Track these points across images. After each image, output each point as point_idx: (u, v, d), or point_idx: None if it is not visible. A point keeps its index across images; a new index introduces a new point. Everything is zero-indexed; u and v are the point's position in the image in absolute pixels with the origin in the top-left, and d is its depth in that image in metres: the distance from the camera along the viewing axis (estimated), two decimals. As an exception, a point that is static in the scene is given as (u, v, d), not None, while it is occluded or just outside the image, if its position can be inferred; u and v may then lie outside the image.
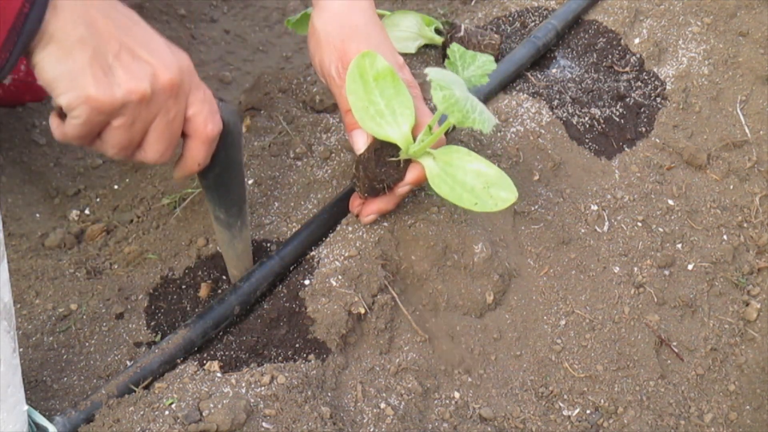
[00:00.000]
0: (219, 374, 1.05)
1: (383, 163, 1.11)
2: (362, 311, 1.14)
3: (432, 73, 1.01)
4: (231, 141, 1.03)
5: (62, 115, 0.90)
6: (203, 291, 1.21)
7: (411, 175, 1.12)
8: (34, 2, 0.83)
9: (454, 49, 1.15)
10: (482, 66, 1.17)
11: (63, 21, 0.85)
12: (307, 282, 1.14)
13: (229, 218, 1.12)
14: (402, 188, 1.13)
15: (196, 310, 1.20)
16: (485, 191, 1.06)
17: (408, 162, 1.12)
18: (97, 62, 0.87)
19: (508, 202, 1.07)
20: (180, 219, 1.31)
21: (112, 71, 0.88)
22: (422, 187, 1.25)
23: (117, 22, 0.90)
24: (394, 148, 1.11)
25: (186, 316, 1.20)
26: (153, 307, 1.21)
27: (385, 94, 1.08)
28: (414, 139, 1.09)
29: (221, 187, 1.08)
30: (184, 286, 1.23)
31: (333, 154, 1.36)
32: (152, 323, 1.19)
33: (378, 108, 1.08)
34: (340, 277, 1.14)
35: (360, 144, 1.13)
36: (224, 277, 1.23)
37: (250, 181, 1.33)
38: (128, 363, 1.13)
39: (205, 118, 0.97)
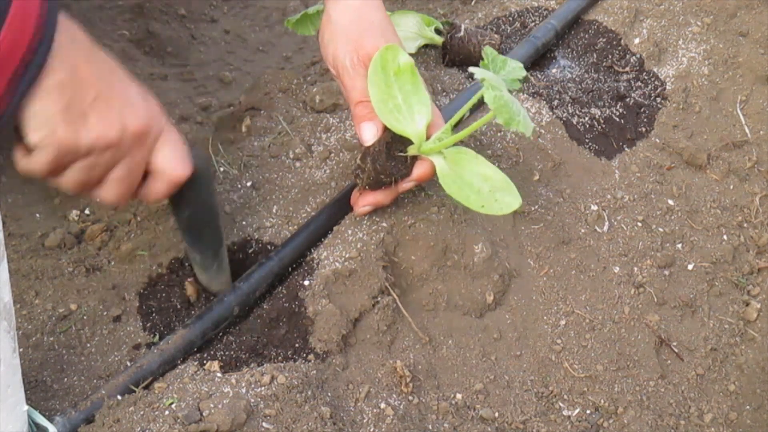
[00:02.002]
0: (219, 374, 1.05)
1: (393, 156, 1.11)
2: (362, 312, 1.14)
3: (480, 72, 1.02)
4: (201, 184, 1.06)
5: (28, 149, 0.92)
6: (189, 290, 1.21)
7: (418, 172, 1.13)
8: (36, 51, 0.85)
9: (488, 52, 1.16)
10: (512, 72, 1.19)
11: (49, 64, 0.87)
12: (306, 283, 1.14)
13: (205, 261, 1.15)
14: (406, 184, 1.14)
15: (185, 305, 1.20)
16: (491, 195, 1.08)
17: (414, 158, 1.12)
18: (73, 108, 0.89)
19: (513, 207, 1.09)
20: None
21: (85, 117, 0.90)
22: (422, 186, 1.25)
23: (97, 69, 0.92)
24: (403, 143, 1.12)
25: (178, 313, 1.20)
26: (146, 306, 1.21)
27: (404, 89, 1.09)
28: (426, 137, 1.10)
29: (194, 229, 1.12)
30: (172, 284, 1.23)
31: (332, 154, 1.36)
32: (148, 322, 1.19)
33: (396, 102, 1.09)
34: (340, 277, 1.14)
35: (368, 136, 1.13)
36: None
37: (249, 183, 1.33)
38: (128, 363, 1.12)
39: (172, 162, 1.00)
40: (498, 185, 1.09)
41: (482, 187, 1.09)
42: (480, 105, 1.45)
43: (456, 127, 1.42)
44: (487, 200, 1.08)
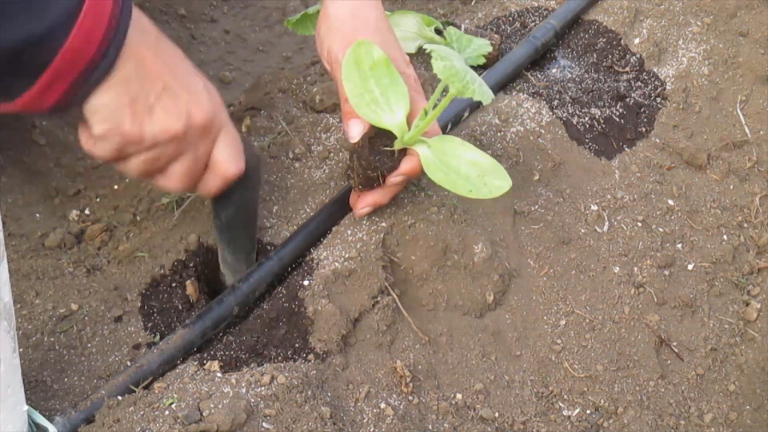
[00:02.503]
0: (219, 374, 1.05)
1: (377, 151, 1.11)
2: (362, 312, 1.14)
3: (431, 46, 1.02)
4: (249, 183, 1.06)
5: (93, 135, 0.93)
6: (189, 289, 1.21)
7: (406, 165, 1.12)
8: (106, 53, 0.84)
9: (451, 32, 1.15)
10: (478, 48, 1.18)
11: (118, 60, 0.87)
12: (306, 283, 1.14)
13: (236, 263, 1.16)
14: (396, 178, 1.13)
15: (186, 305, 1.20)
16: (480, 179, 1.08)
17: (402, 153, 1.12)
18: (139, 101, 0.89)
19: (502, 189, 1.08)
20: (179, 219, 1.31)
21: (151, 110, 0.91)
22: (416, 183, 1.25)
23: (164, 61, 0.92)
24: (388, 138, 1.11)
25: (180, 314, 1.20)
26: (148, 306, 1.21)
27: (381, 83, 1.09)
28: (409, 128, 1.10)
29: (233, 229, 1.11)
30: (174, 284, 1.23)
31: (332, 155, 1.36)
32: (150, 323, 1.19)
33: (373, 96, 1.09)
34: (340, 277, 1.14)
35: (354, 133, 1.13)
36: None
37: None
38: (128, 363, 1.13)
39: (227, 159, 1.00)
40: (486, 169, 1.08)
41: (470, 172, 1.08)
42: (479, 105, 1.45)
43: (453, 126, 1.42)
44: (476, 184, 1.07)
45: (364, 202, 1.17)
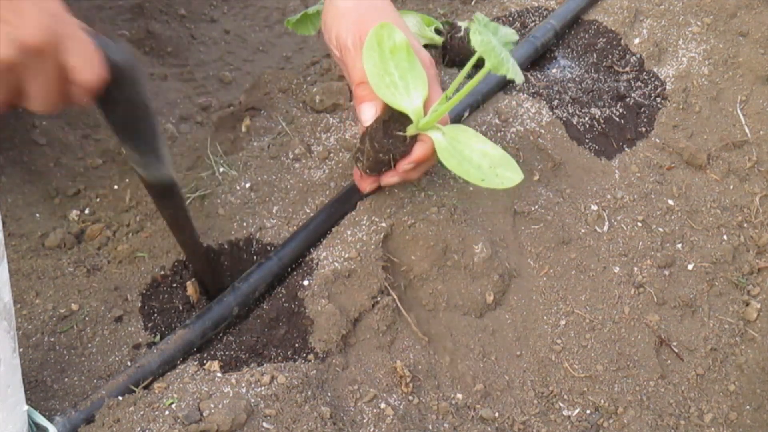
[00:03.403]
0: (219, 374, 1.05)
1: (391, 135, 1.11)
2: (362, 312, 1.14)
3: (472, 20, 1.03)
4: (126, 80, 1.02)
5: None
6: (190, 289, 1.21)
7: (419, 150, 1.12)
8: None
9: (479, 17, 1.16)
10: (505, 36, 1.19)
11: None
12: (306, 283, 1.14)
13: (143, 157, 1.10)
14: (408, 165, 1.13)
15: (186, 306, 1.20)
16: (491, 170, 1.08)
17: (415, 139, 1.12)
18: None
19: (514, 181, 1.08)
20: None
21: None
22: (416, 184, 1.25)
23: None
24: (402, 122, 1.12)
25: (180, 314, 1.20)
26: (148, 306, 1.21)
27: (400, 66, 1.10)
28: (425, 114, 1.10)
29: (127, 128, 1.07)
30: (174, 284, 1.23)
31: (332, 155, 1.36)
32: (150, 323, 1.19)
33: (392, 79, 1.09)
34: (340, 277, 1.14)
35: (368, 116, 1.13)
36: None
37: (248, 184, 1.33)
38: (129, 363, 1.13)
39: (82, 68, 0.95)
40: (498, 161, 1.09)
41: (482, 162, 1.08)
42: (479, 105, 1.45)
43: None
44: (488, 175, 1.08)
45: (372, 180, 1.17)
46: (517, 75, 1.04)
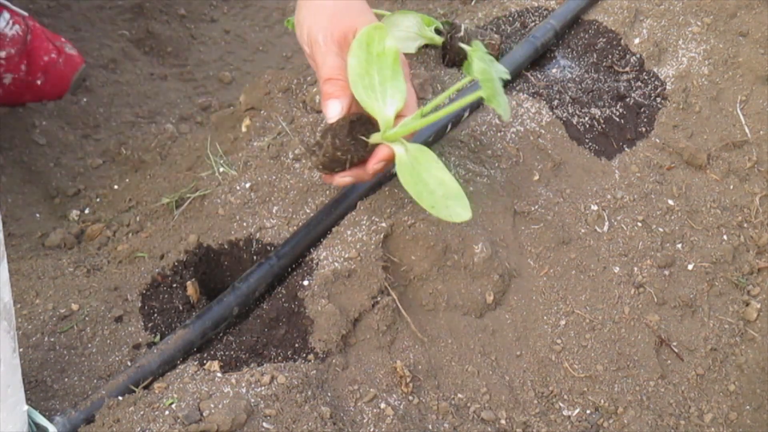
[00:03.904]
0: (219, 374, 1.05)
1: (354, 137, 1.11)
2: (362, 312, 1.14)
3: (470, 47, 1.03)
4: None
5: None
6: (190, 289, 1.21)
7: (381, 153, 1.11)
8: None
9: (479, 45, 1.15)
10: (499, 72, 1.19)
11: None
12: (306, 283, 1.14)
13: None
14: (377, 165, 1.12)
15: (186, 306, 1.20)
16: (443, 200, 1.06)
17: (375, 146, 1.12)
18: None
19: (462, 218, 1.06)
20: (179, 219, 1.31)
21: None
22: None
23: None
24: (367, 127, 1.12)
25: (180, 314, 1.20)
26: (148, 307, 1.21)
27: (382, 73, 1.09)
28: (394, 125, 1.10)
29: None
30: (174, 284, 1.23)
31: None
32: (150, 323, 1.19)
33: (372, 82, 1.09)
34: (339, 278, 1.14)
35: (333, 113, 1.12)
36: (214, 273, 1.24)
37: (248, 185, 1.32)
38: (129, 363, 1.13)
39: None
40: (452, 193, 1.07)
41: (437, 190, 1.07)
42: (479, 105, 1.45)
43: (455, 125, 1.42)
44: (439, 204, 1.06)
45: (345, 174, 1.15)
46: (505, 111, 1.03)
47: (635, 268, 1.32)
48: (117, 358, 1.14)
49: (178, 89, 1.81)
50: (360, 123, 1.12)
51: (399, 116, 1.10)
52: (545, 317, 1.24)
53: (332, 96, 1.12)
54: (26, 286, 1.21)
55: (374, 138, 1.11)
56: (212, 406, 0.97)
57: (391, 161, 1.12)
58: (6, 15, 1.59)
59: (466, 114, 1.42)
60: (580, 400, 1.19)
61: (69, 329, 1.16)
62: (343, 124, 1.11)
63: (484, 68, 1.02)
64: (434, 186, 1.07)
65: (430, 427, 1.10)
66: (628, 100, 1.52)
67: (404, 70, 1.13)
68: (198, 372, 1.06)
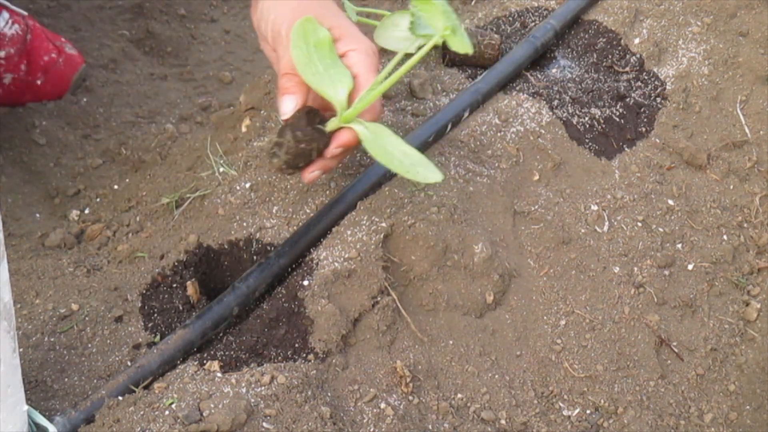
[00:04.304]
0: (219, 374, 1.05)
1: (313, 126, 1.11)
2: (362, 312, 1.14)
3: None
4: None
5: None
6: (190, 290, 1.21)
7: (344, 136, 1.12)
8: None
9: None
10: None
11: None
12: (306, 283, 1.14)
13: None
14: (336, 150, 1.12)
15: (186, 306, 1.20)
16: (412, 167, 1.09)
17: (334, 132, 1.13)
18: None
19: (434, 179, 1.09)
20: (179, 219, 1.31)
21: None
22: (416, 183, 1.25)
23: None
24: (321, 117, 1.13)
25: (180, 314, 1.20)
26: (148, 307, 1.21)
27: (324, 61, 1.11)
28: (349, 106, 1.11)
29: None
30: (174, 285, 1.23)
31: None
32: (150, 323, 1.19)
33: (317, 69, 1.10)
34: (339, 278, 1.14)
35: (287, 108, 1.13)
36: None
37: (248, 185, 1.32)
38: (129, 363, 1.13)
39: None
40: (417, 161, 1.10)
41: (403, 159, 1.10)
42: (479, 105, 1.45)
43: (453, 126, 1.42)
44: (410, 170, 1.09)
45: (312, 168, 1.16)
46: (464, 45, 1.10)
47: (635, 268, 1.32)
48: (117, 358, 1.14)
49: (178, 89, 1.81)
50: (314, 114, 1.12)
51: (353, 95, 1.11)
52: (545, 317, 1.24)
53: (288, 91, 1.13)
54: (26, 286, 1.21)
55: (331, 124, 1.12)
56: (212, 406, 0.97)
57: (350, 145, 1.13)
58: (5, 14, 1.59)
59: (466, 114, 1.43)
60: (580, 400, 1.19)
61: (69, 329, 1.16)
62: (299, 116, 1.12)
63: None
64: (400, 156, 1.09)
65: (430, 427, 1.10)
66: (628, 100, 1.52)
67: (365, 45, 1.14)
68: (198, 372, 1.06)
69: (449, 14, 1.08)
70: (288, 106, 1.12)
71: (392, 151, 1.10)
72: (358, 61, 1.12)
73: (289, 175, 1.18)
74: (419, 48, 1.59)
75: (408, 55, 1.10)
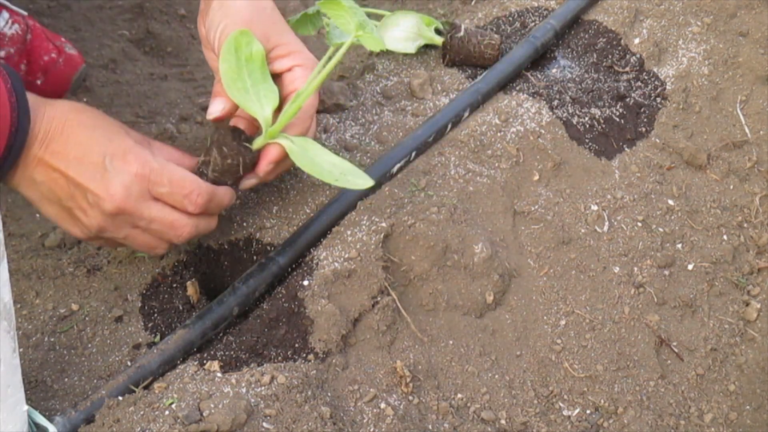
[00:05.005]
0: (219, 374, 1.05)
1: (239, 142, 1.12)
2: (362, 312, 1.14)
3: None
4: None
5: None
6: (190, 290, 1.21)
7: (273, 152, 1.13)
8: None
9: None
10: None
11: (20, 178, 1.04)
12: (306, 283, 1.14)
13: None
14: (267, 165, 1.13)
15: (186, 306, 1.20)
16: (342, 176, 1.10)
17: (261, 149, 1.14)
18: (64, 213, 1.08)
19: (363, 186, 1.10)
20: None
21: (76, 217, 1.07)
22: (415, 183, 1.25)
23: (67, 163, 1.03)
24: (246, 136, 1.14)
25: (180, 314, 1.20)
26: (148, 307, 1.21)
27: (253, 76, 1.12)
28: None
29: None
30: (174, 285, 1.23)
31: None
32: (150, 323, 1.19)
33: (245, 85, 1.11)
34: (339, 278, 1.14)
35: (216, 108, 1.15)
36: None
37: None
38: (129, 363, 1.13)
39: (176, 217, 1.09)
40: (347, 169, 1.11)
41: (332, 170, 1.11)
42: (479, 105, 1.45)
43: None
44: (340, 178, 1.10)
45: (248, 178, 1.17)
46: (378, 44, 1.11)
47: (635, 268, 1.32)
48: (117, 358, 1.14)
49: (178, 89, 1.80)
50: (239, 132, 1.14)
51: (276, 113, 1.13)
52: (545, 317, 1.24)
53: (220, 94, 1.15)
54: (26, 286, 1.21)
55: (257, 141, 1.13)
56: (212, 406, 0.97)
57: (279, 160, 1.14)
58: (5, 14, 1.59)
59: (466, 114, 1.43)
60: (580, 400, 1.19)
61: (69, 329, 1.16)
62: (224, 133, 1.13)
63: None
64: (329, 167, 1.11)
65: (430, 427, 1.10)
66: (628, 100, 1.52)
67: (304, 56, 1.16)
68: (198, 372, 1.06)
69: (357, 12, 1.08)
70: (216, 106, 1.15)
71: (320, 162, 1.11)
72: (303, 76, 1.14)
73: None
74: (419, 48, 1.59)
75: (329, 59, 1.12)
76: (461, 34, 1.55)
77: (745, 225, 1.42)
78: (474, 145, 1.37)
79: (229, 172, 1.13)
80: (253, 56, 1.12)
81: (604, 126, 1.48)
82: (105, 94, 1.73)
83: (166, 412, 0.96)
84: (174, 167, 1.09)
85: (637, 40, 1.62)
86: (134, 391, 1.03)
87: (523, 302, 1.25)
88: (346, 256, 1.16)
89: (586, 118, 1.48)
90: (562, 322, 1.24)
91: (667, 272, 1.32)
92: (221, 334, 1.14)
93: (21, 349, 1.09)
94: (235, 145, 1.12)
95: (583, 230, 1.34)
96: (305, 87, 1.11)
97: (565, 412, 1.17)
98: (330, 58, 1.10)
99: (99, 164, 1.04)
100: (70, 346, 1.14)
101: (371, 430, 1.05)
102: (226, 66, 1.10)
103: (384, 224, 1.20)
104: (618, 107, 1.51)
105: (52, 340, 1.15)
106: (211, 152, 1.13)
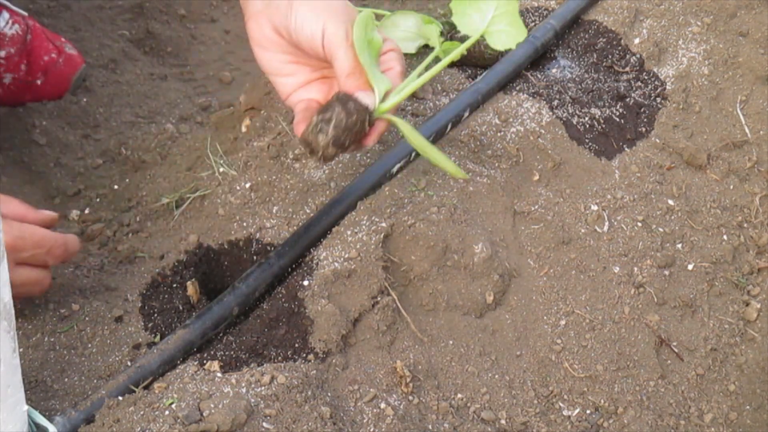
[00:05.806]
0: (219, 374, 1.05)
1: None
2: (362, 312, 1.14)
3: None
4: None
5: None
6: (190, 290, 1.21)
7: (382, 126, 1.15)
8: None
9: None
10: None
11: None
12: (306, 283, 1.14)
13: None
14: (376, 138, 1.15)
15: (186, 306, 1.20)
16: (443, 160, 1.17)
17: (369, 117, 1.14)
18: None
19: (458, 175, 1.20)
20: (179, 219, 1.31)
21: None
22: (415, 183, 1.25)
23: None
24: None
25: (180, 314, 1.20)
26: (148, 307, 1.21)
27: (372, 56, 1.15)
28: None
29: None
30: (174, 285, 1.23)
31: (333, 154, 1.36)
32: (150, 323, 1.19)
33: (368, 58, 1.13)
34: (339, 278, 1.14)
35: (368, 101, 1.13)
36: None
37: (248, 185, 1.32)
38: (129, 363, 1.13)
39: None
40: (440, 158, 1.18)
41: (431, 152, 1.17)
42: (478, 105, 1.46)
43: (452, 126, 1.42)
44: (441, 161, 1.17)
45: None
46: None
47: (635, 268, 1.32)
48: (117, 358, 1.14)
49: (178, 89, 1.81)
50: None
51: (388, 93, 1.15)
52: (545, 317, 1.24)
53: (361, 88, 1.12)
54: (26, 286, 1.21)
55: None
56: (212, 406, 0.97)
57: (381, 134, 1.18)
58: (5, 14, 1.59)
59: (467, 114, 1.43)
60: (580, 400, 1.19)
61: (69, 329, 1.16)
62: (336, 98, 1.11)
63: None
64: (429, 149, 1.18)
65: (430, 427, 1.10)
66: (628, 100, 1.52)
67: (392, 45, 1.19)
68: (198, 372, 1.06)
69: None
70: (369, 99, 1.13)
71: (423, 143, 1.18)
72: (397, 61, 1.17)
73: (325, 160, 1.15)
74: (419, 48, 1.59)
75: (437, 58, 1.21)
76: (461, 34, 1.54)
77: (745, 225, 1.42)
78: (474, 145, 1.37)
79: (350, 130, 1.10)
80: (373, 42, 1.16)
81: (604, 126, 1.48)
82: (105, 94, 1.73)
83: (166, 412, 0.96)
84: (31, 228, 1.11)
85: (637, 40, 1.62)
86: (134, 391, 1.03)
87: (523, 302, 1.25)
88: (346, 256, 1.16)
89: (586, 118, 1.48)
90: (562, 322, 1.24)
91: (667, 272, 1.32)
92: (221, 334, 1.14)
93: (21, 349, 1.09)
94: (361, 103, 1.11)
95: (583, 230, 1.34)
96: (428, 73, 1.19)
97: (565, 412, 1.17)
98: (445, 53, 1.21)
99: None
100: (70, 346, 1.14)
101: (371, 430, 1.05)
102: (359, 34, 1.12)
103: (384, 224, 1.20)
104: (618, 107, 1.51)
105: (52, 340, 1.15)
106: (333, 108, 1.10)
